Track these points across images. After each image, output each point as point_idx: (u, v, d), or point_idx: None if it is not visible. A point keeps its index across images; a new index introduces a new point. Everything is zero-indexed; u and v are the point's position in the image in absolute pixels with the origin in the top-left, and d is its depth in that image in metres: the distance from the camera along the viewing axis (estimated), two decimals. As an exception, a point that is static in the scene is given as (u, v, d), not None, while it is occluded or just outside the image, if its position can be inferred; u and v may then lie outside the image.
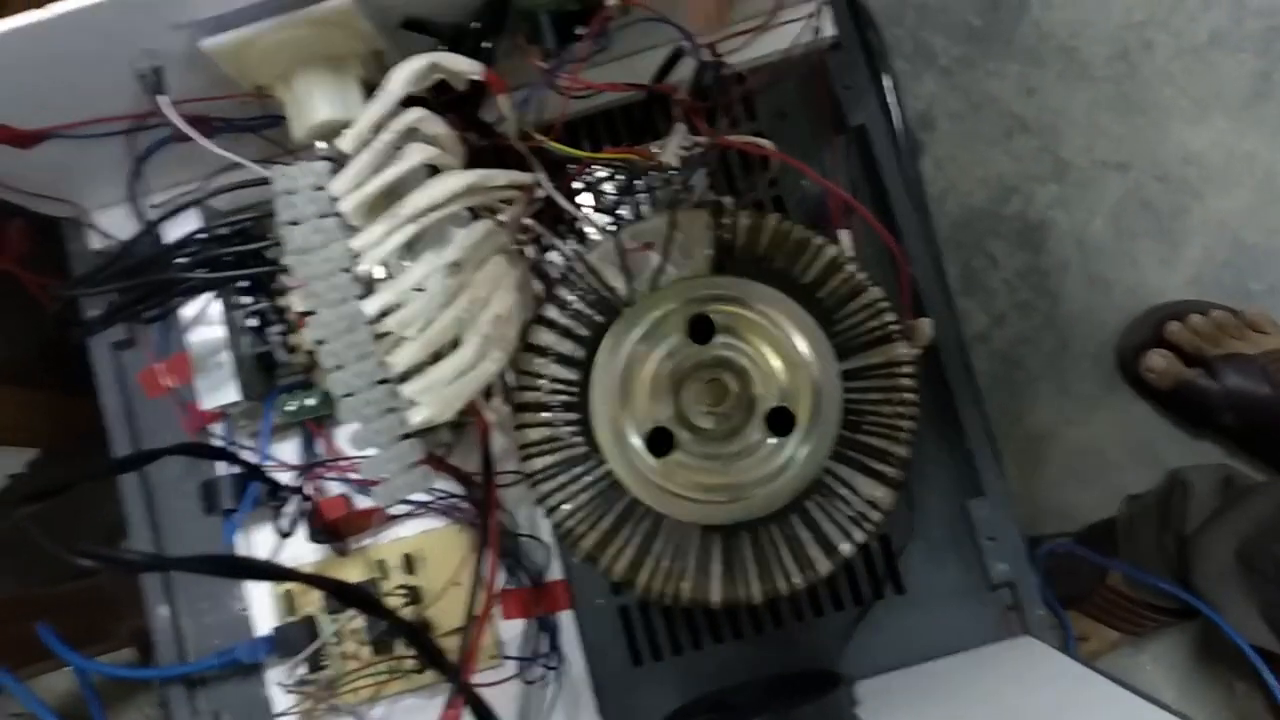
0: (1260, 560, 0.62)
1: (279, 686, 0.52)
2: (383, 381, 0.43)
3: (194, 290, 0.52)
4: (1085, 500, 0.85)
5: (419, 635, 0.46)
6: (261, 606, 0.53)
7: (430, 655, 0.40)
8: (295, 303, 0.53)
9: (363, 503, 0.53)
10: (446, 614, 0.52)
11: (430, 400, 0.43)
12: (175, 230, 0.51)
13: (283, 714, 0.52)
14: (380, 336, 0.43)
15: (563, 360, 0.45)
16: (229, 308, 0.53)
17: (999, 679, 0.47)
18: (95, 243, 0.57)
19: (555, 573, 0.54)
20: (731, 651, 0.53)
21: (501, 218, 0.48)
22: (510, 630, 0.53)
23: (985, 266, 0.88)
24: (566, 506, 0.44)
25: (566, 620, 0.53)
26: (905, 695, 0.47)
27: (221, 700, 0.53)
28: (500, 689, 0.51)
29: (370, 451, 0.44)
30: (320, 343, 0.42)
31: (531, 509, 0.54)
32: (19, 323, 0.88)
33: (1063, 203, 0.88)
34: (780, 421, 0.43)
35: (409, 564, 0.53)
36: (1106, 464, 0.86)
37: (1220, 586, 0.65)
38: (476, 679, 0.50)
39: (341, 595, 0.37)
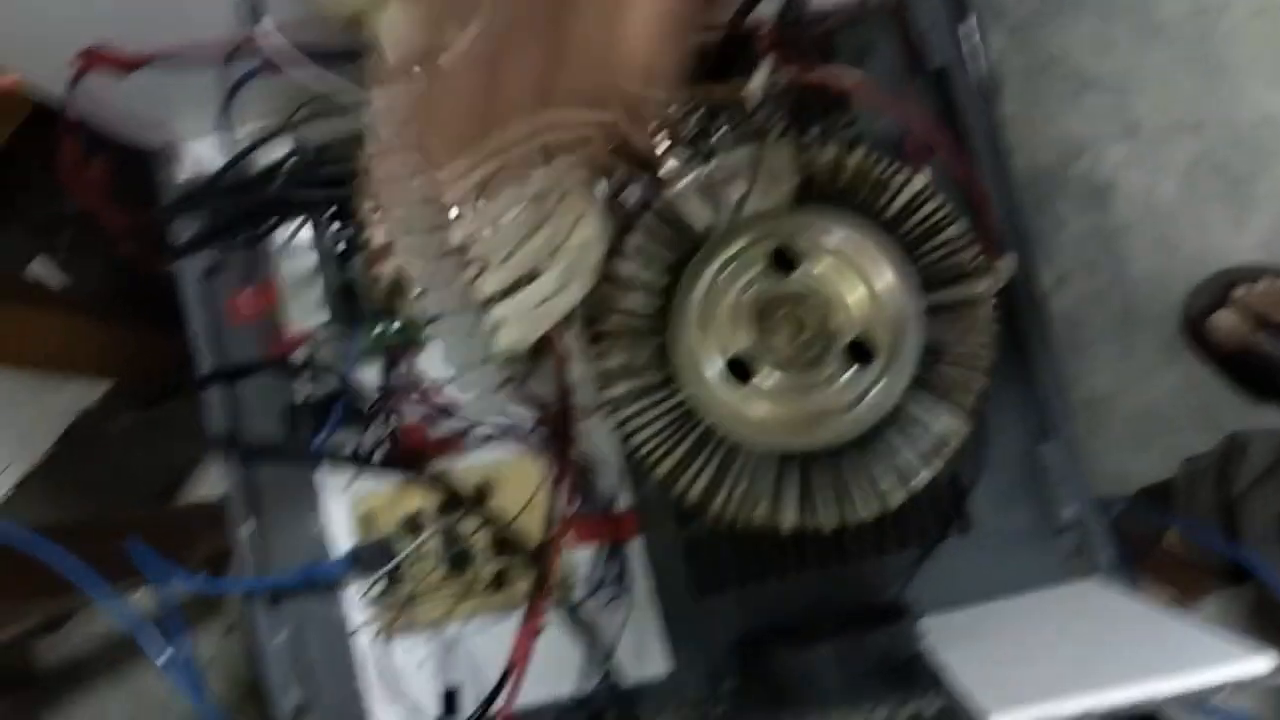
0: None
1: (356, 604, 0.54)
2: (467, 308, 0.44)
3: (285, 216, 0.54)
4: (1143, 464, 0.84)
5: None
6: (340, 526, 0.55)
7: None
8: (379, 232, 0.55)
9: (441, 429, 0.55)
10: (520, 537, 0.54)
11: (514, 326, 0.45)
12: (264, 160, 0.53)
13: (359, 629, 0.54)
14: (464, 265, 0.44)
15: (643, 289, 0.46)
16: (317, 235, 0.55)
17: (1068, 618, 0.47)
18: (184, 173, 0.58)
19: (625, 501, 0.55)
20: (796, 585, 0.54)
21: (583, 151, 0.48)
22: (580, 557, 0.54)
23: (1051, 226, 0.87)
24: (643, 433, 0.45)
25: (635, 548, 0.55)
26: (971, 631, 0.48)
27: (300, 615, 0.56)
28: (568, 618, 0.53)
29: (454, 376, 0.45)
30: (406, 270, 0.44)
31: (602, 438, 0.55)
32: (98, 257, 0.91)
33: (1132, 163, 0.87)
34: (860, 353, 0.43)
35: (484, 488, 0.54)
36: (1166, 428, 0.86)
37: (1264, 546, 0.65)
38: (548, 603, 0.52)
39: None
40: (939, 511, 0.53)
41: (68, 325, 0.83)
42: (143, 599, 0.89)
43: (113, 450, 0.79)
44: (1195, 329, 0.83)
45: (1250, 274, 0.82)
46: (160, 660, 0.52)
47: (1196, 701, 0.38)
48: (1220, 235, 0.85)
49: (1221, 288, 0.82)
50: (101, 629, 0.99)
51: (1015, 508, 0.53)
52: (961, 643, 0.46)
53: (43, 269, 0.98)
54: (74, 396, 0.85)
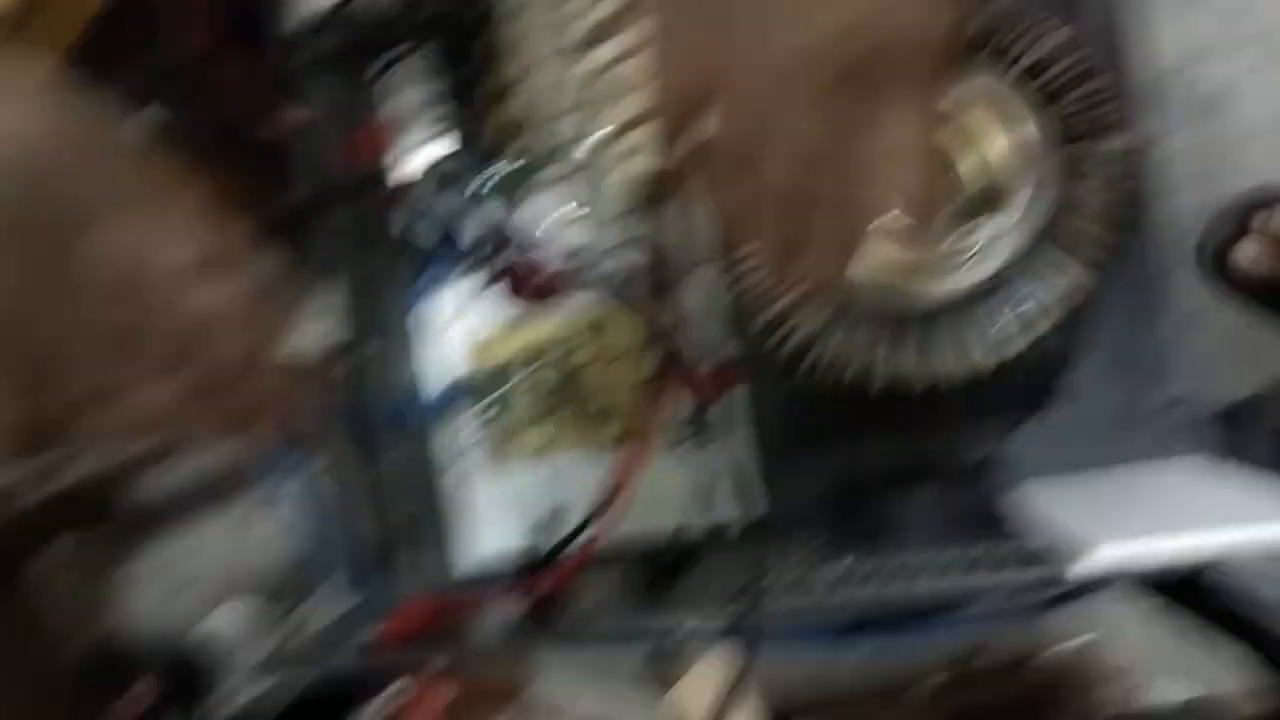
0: None
1: (463, 430, 0.57)
2: (601, 137, 0.45)
3: (409, 49, 0.55)
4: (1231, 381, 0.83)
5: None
6: (452, 356, 0.57)
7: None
8: (509, 66, 0.56)
9: (554, 268, 0.56)
10: (627, 377, 0.56)
11: (643, 155, 0.46)
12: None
13: (464, 454, 0.57)
14: (593, 98, 0.45)
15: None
16: (440, 72, 0.56)
17: (1171, 486, 0.48)
18: (303, 10, 0.59)
19: (728, 350, 0.56)
20: (891, 443, 0.55)
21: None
22: (681, 404, 0.56)
23: (1159, 133, 0.85)
24: (750, 278, 0.46)
25: (736, 398, 0.56)
26: (1071, 492, 0.48)
27: (409, 439, 0.58)
28: (669, 453, 0.55)
29: (574, 214, 0.46)
30: (539, 98, 0.45)
31: (713, 283, 0.56)
32: (209, 108, 0.93)
33: (1256, 69, 0.84)
34: (995, 200, 0.44)
35: (596, 327, 0.56)
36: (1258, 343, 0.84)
37: None
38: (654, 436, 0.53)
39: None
40: (1043, 380, 0.54)
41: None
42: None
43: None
44: (1217, 262, 0.79)
45: (1267, 199, 0.78)
46: (282, 487, 0.55)
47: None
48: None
49: (1239, 216, 0.78)
50: (196, 464, 1.03)
51: (1123, 379, 0.53)
52: (1061, 500, 0.47)
53: (153, 119, 1.01)
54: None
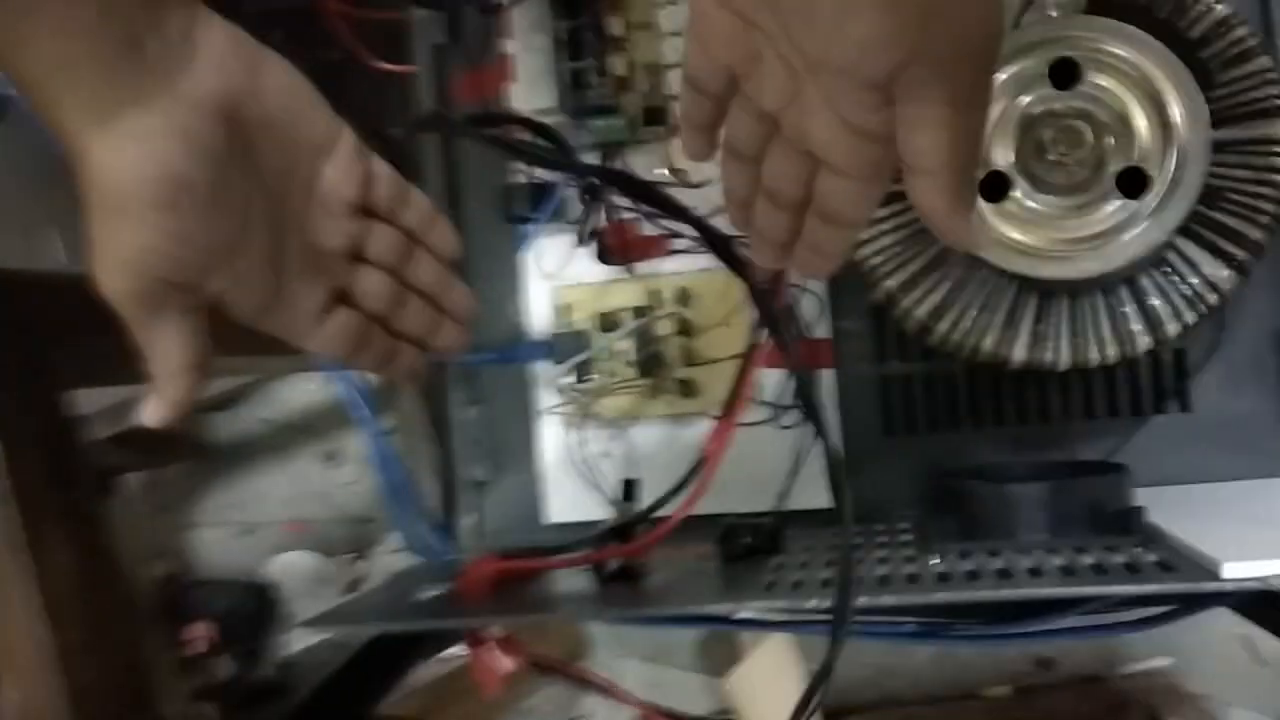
0: None
1: (549, 389, 0.55)
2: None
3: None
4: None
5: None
6: (540, 312, 0.56)
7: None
8: (615, 24, 0.54)
9: (649, 231, 0.55)
10: (712, 349, 0.54)
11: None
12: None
13: (546, 414, 0.55)
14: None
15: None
16: (553, 20, 0.54)
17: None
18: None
19: (822, 330, 0.54)
20: (989, 437, 0.52)
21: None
22: (769, 380, 0.54)
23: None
24: (873, 245, 0.44)
25: (826, 380, 0.54)
26: (1189, 503, 0.45)
27: (491, 394, 0.57)
28: (754, 432, 0.53)
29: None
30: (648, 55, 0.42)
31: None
32: (311, 53, 0.93)
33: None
34: (1132, 183, 0.41)
35: (683, 297, 0.54)
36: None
37: None
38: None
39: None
40: (1159, 382, 0.51)
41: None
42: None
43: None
44: None
45: None
46: (369, 431, 0.54)
47: None
48: None
49: None
50: (269, 413, 1.05)
51: (1245, 390, 0.49)
52: (1178, 510, 0.44)
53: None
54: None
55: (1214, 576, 0.35)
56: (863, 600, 0.37)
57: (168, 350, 0.31)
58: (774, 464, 0.53)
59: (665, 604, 0.45)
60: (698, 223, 0.38)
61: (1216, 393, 0.50)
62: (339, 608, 0.51)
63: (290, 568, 1.03)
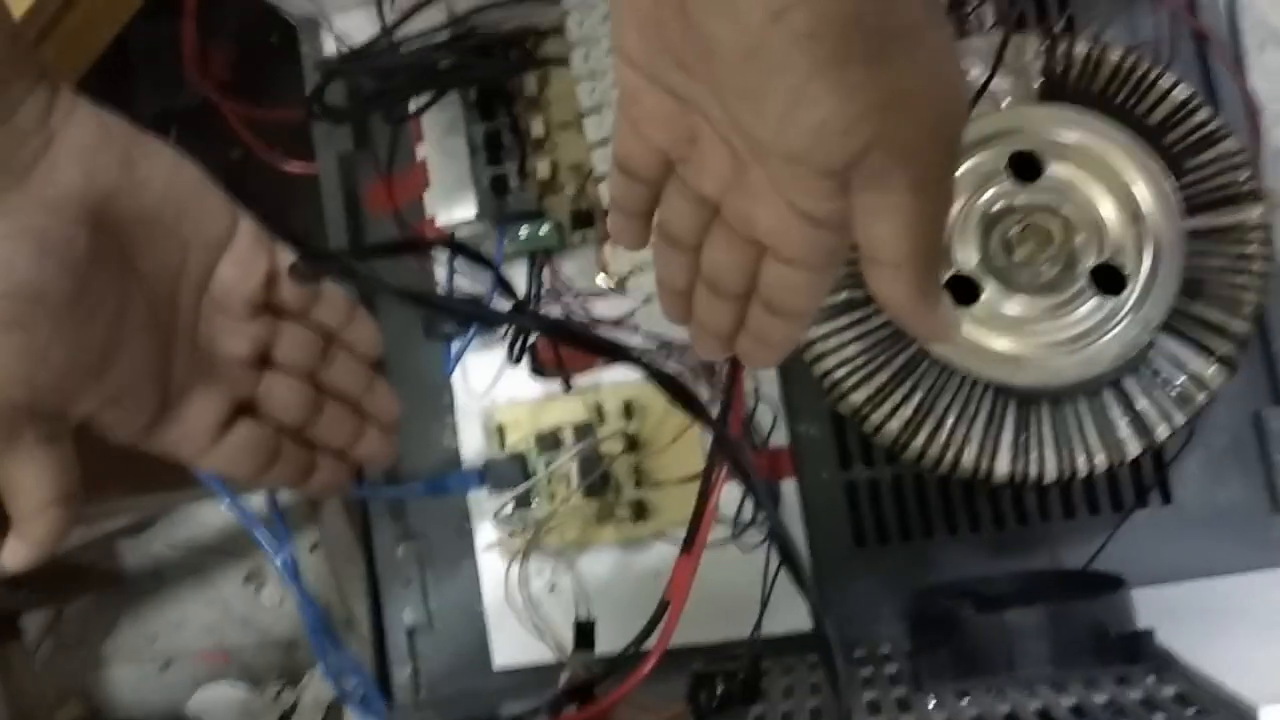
0: None
1: (486, 521, 0.50)
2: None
3: (433, 93, 0.50)
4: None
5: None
6: (472, 438, 0.51)
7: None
8: (537, 125, 0.50)
9: (588, 338, 0.50)
10: (664, 467, 0.49)
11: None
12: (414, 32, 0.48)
13: (486, 548, 0.50)
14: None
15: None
16: (468, 124, 0.50)
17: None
18: (329, 47, 0.54)
19: (781, 438, 0.50)
20: (966, 543, 0.49)
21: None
22: (728, 494, 0.49)
23: None
24: (836, 356, 0.40)
25: (788, 490, 0.50)
26: (1190, 613, 0.42)
27: (425, 528, 0.52)
28: (717, 553, 0.48)
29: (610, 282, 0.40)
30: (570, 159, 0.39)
31: (756, 370, 0.50)
32: (209, 151, 0.88)
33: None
34: (1107, 280, 0.38)
35: (628, 410, 0.50)
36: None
37: None
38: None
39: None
40: (1136, 478, 0.48)
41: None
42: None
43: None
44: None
45: None
46: (276, 559, 0.48)
47: None
48: None
49: None
50: (184, 535, 0.97)
51: (1229, 479, 0.47)
52: (1179, 619, 0.40)
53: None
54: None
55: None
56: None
57: (26, 485, 0.27)
58: (741, 587, 0.48)
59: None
60: (640, 363, 0.33)
61: (1198, 481, 0.47)
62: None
63: (214, 702, 0.94)
